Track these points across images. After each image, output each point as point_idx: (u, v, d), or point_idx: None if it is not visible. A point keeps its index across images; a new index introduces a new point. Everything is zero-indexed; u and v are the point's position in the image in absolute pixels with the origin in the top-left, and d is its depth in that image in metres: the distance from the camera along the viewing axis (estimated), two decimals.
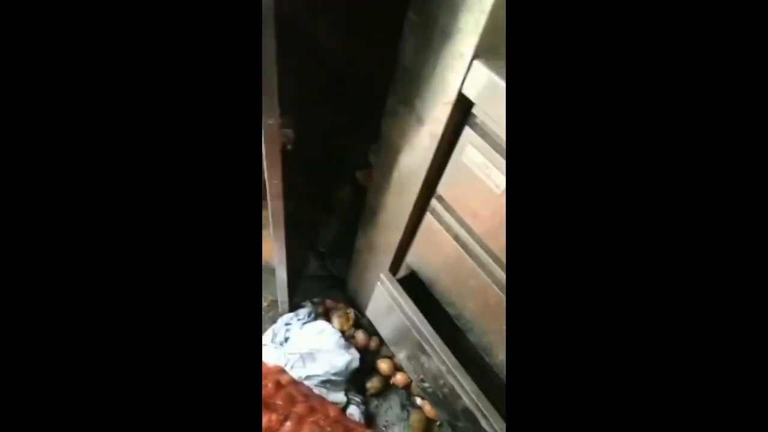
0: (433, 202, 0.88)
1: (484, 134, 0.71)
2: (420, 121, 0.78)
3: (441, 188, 0.83)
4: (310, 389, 1.20)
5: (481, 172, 0.72)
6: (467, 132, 0.72)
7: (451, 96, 0.70)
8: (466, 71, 0.65)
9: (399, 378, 1.36)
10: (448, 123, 0.74)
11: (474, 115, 0.71)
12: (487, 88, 0.64)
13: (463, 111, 0.72)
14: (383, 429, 1.31)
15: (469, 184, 0.76)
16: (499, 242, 0.76)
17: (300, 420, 1.03)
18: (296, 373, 1.24)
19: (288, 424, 1.01)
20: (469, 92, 0.67)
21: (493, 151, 0.69)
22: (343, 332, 1.41)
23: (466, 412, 0.92)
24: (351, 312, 1.45)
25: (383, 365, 1.38)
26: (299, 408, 1.05)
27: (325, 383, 1.26)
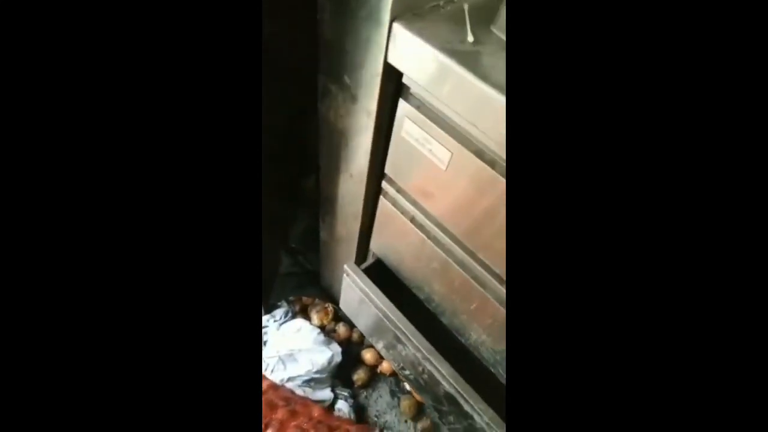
0: (384, 185, 0.83)
1: (419, 105, 0.65)
2: (354, 99, 0.72)
3: (388, 169, 0.78)
4: (293, 391, 1.16)
5: (423, 148, 0.66)
6: (402, 105, 0.66)
7: (378, 68, 0.63)
8: (387, 37, 0.58)
9: (385, 366, 1.33)
10: (381, 98, 0.67)
11: (406, 86, 0.65)
12: (414, 55, 0.57)
13: (393, 83, 0.66)
14: (375, 419, 1.28)
15: (413, 161, 0.70)
16: (453, 220, 0.71)
17: (281, 426, 0.99)
18: (277, 377, 1.20)
19: None
20: (395, 61, 0.60)
21: (431, 124, 0.63)
22: (323, 327, 1.37)
23: (448, 396, 0.89)
24: (329, 306, 1.41)
25: (368, 355, 1.34)
26: (280, 414, 1.02)
27: (309, 382, 1.22)
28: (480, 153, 0.60)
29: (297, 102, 1.02)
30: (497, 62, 0.53)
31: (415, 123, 0.65)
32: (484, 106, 0.53)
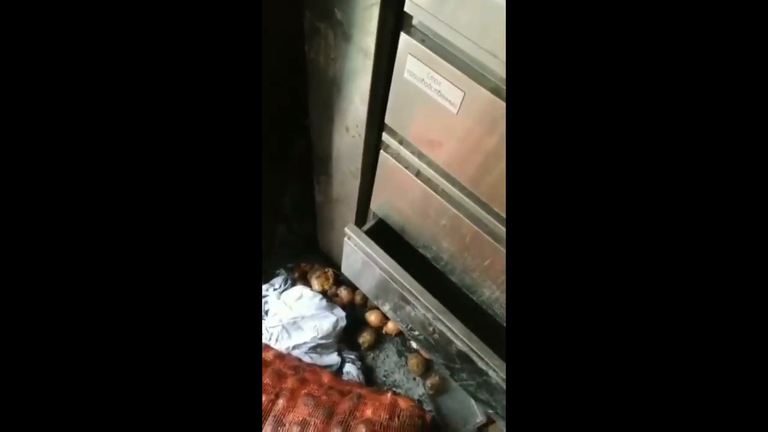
0: (385, 137, 0.75)
1: (424, 39, 0.56)
2: (346, 37, 0.63)
3: (389, 118, 0.70)
4: (300, 359, 1.13)
5: (430, 89, 0.59)
6: (404, 39, 0.57)
7: None
8: None
9: (391, 326, 1.32)
10: (380, 32, 0.58)
11: (408, 16, 0.56)
12: None
13: (394, 14, 0.56)
14: (383, 379, 1.28)
15: (418, 106, 0.62)
16: (464, 171, 0.65)
17: (292, 395, 0.97)
18: (282, 345, 1.18)
19: (280, 402, 0.95)
20: None
21: (439, 59, 0.55)
22: (324, 292, 1.33)
23: (460, 354, 0.86)
24: (329, 270, 1.37)
25: (372, 317, 1.32)
26: (289, 383, 0.99)
27: (315, 348, 1.20)
28: (498, 91, 0.52)
29: (277, 47, 0.91)
30: None
31: (419, 60, 0.57)
32: (498, 20, 0.45)
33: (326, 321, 1.21)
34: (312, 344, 1.19)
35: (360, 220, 1.00)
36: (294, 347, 1.18)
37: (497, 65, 0.49)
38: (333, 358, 1.22)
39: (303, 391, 0.98)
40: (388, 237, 0.93)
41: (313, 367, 1.09)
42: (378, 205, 0.92)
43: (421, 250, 0.89)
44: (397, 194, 0.83)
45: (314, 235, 1.37)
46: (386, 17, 0.57)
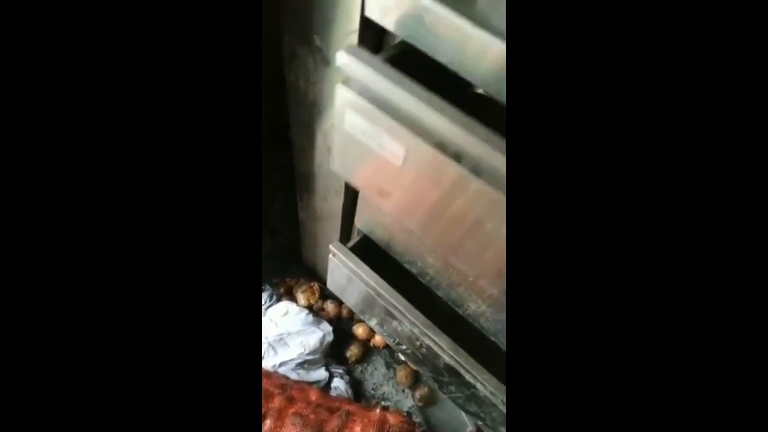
0: None
1: (362, 93, 0.56)
2: (326, 61, 0.63)
3: (334, 166, 0.70)
4: (287, 376, 1.12)
5: (373, 143, 0.59)
6: (341, 92, 0.57)
7: (354, 23, 0.54)
8: None
9: (378, 339, 1.32)
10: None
11: (390, 37, 0.56)
12: (399, 4, 0.49)
13: (373, 40, 0.57)
14: (372, 392, 1.28)
15: (361, 157, 0.62)
16: (413, 220, 0.63)
17: (279, 414, 0.96)
18: (269, 363, 1.16)
19: (267, 422, 0.94)
20: (374, 13, 0.52)
21: (380, 114, 0.55)
22: (311, 307, 1.33)
23: (448, 367, 0.87)
24: (315, 285, 1.36)
25: (359, 330, 1.32)
26: (276, 402, 0.98)
27: (302, 365, 1.19)
28: (442, 146, 0.52)
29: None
30: (496, 5, 0.46)
31: (358, 113, 0.57)
32: (482, 54, 0.46)
33: (313, 336, 1.21)
34: (299, 360, 1.18)
35: (345, 236, 1.00)
36: (281, 364, 1.17)
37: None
38: (321, 374, 1.22)
39: (290, 411, 0.97)
40: (373, 252, 0.93)
41: (301, 385, 1.08)
42: (362, 221, 0.92)
43: (406, 266, 0.90)
44: (380, 211, 0.84)
45: (299, 247, 1.36)
46: (365, 43, 0.57)
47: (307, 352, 1.19)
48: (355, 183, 0.67)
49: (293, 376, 1.16)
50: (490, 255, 0.56)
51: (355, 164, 0.63)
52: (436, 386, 1.04)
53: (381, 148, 0.55)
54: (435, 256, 0.80)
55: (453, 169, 0.50)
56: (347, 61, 0.49)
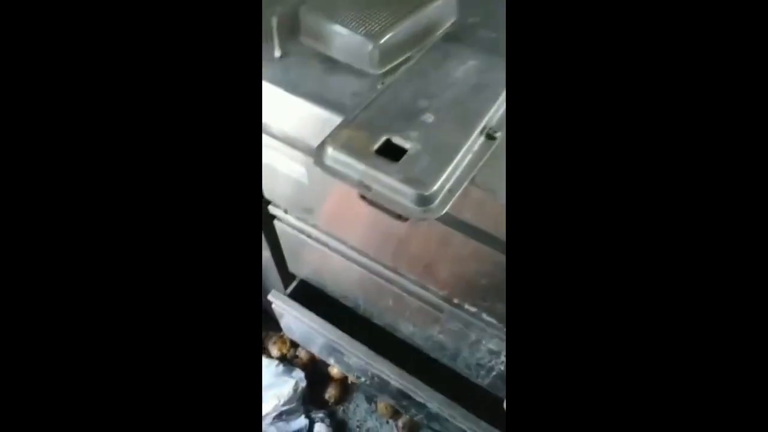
0: (272, 208, 0.81)
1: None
2: None
3: (267, 193, 0.76)
4: None
5: (285, 168, 0.65)
6: None
7: None
8: None
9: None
10: None
11: None
12: None
13: None
14: (357, 430, 1.28)
15: (282, 181, 0.69)
16: (334, 226, 0.70)
17: None
18: None
19: None
20: None
21: (283, 146, 0.62)
22: (284, 356, 1.34)
23: (400, 392, 0.89)
24: (284, 334, 1.38)
25: (334, 370, 1.33)
26: None
27: (281, 416, 1.20)
28: None
29: None
30: (304, 71, 0.52)
31: (269, 147, 0.64)
32: (303, 118, 0.52)
33: (286, 386, 1.22)
34: (275, 413, 1.19)
35: (285, 282, 1.04)
36: None
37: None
38: (301, 422, 1.22)
39: None
40: (313, 294, 0.97)
41: None
42: (294, 267, 0.97)
43: (342, 300, 0.94)
44: (303, 257, 0.88)
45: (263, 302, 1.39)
46: None
47: (282, 402, 1.20)
48: (283, 203, 0.74)
49: (272, 430, 1.17)
50: (401, 248, 0.60)
51: (275, 184, 0.69)
52: (406, 413, 1.05)
53: (288, 168, 0.62)
54: (358, 288, 0.84)
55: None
56: None
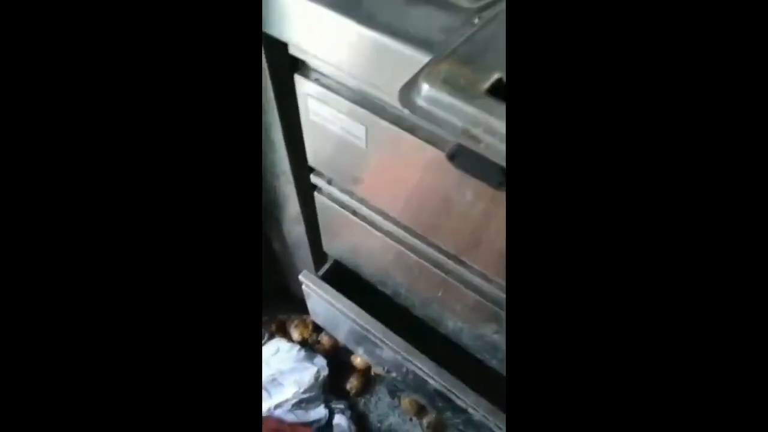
0: (314, 179, 0.72)
1: (318, 78, 0.54)
2: None
3: (311, 159, 0.67)
4: (281, 420, 1.07)
5: (336, 127, 0.56)
6: (300, 83, 0.55)
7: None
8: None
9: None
10: (274, 78, 0.56)
11: (300, 60, 0.54)
12: (287, 15, 0.46)
13: (279, 57, 0.54)
14: (378, 425, 1.20)
15: (331, 145, 0.60)
16: (388, 201, 0.61)
17: None
18: (264, 407, 1.11)
19: None
20: (272, 29, 0.49)
21: (337, 97, 0.52)
22: (305, 341, 1.27)
23: (438, 393, 0.80)
24: (307, 318, 1.31)
25: (358, 360, 1.25)
26: None
27: (300, 404, 1.13)
28: (398, 120, 0.50)
29: None
30: (380, 1, 0.42)
31: (319, 100, 0.55)
32: (378, 58, 0.42)
33: (306, 373, 1.15)
34: (295, 400, 1.12)
35: (319, 263, 0.96)
36: (276, 407, 1.11)
37: (391, 98, 0.47)
38: (320, 412, 1.15)
39: None
40: (345, 277, 0.88)
41: (295, 426, 1.02)
42: (329, 246, 0.88)
43: (380, 287, 0.85)
44: (342, 234, 0.80)
45: (288, 281, 1.32)
46: (274, 61, 0.55)
47: (302, 390, 1.13)
48: (333, 175, 0.66)
49: (290, 417, 1.10)
50: (467, 231, 0.52)
51: (327, 154, 0.62)
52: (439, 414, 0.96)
53: (344, 131, 0.54)
54: (402, 273, 0.74)
55: (410, 141, 0.48)
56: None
